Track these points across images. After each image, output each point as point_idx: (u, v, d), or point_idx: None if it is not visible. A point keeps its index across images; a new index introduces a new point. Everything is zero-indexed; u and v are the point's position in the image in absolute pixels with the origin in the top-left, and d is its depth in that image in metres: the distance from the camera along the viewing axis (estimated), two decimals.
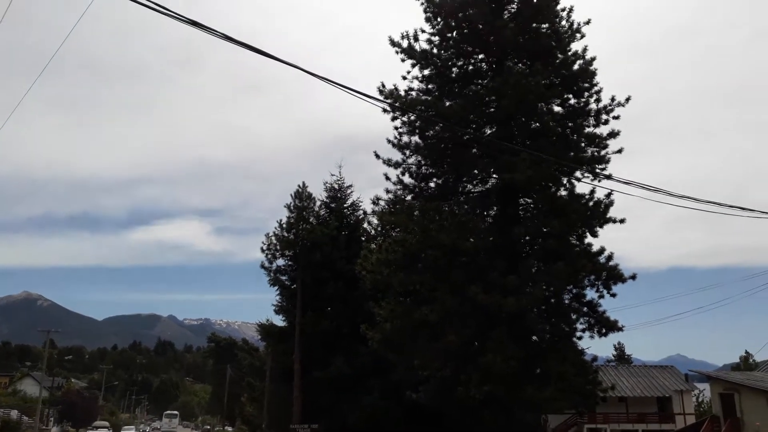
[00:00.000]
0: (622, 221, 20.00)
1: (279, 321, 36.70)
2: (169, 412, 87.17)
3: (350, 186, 37.35)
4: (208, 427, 67.44)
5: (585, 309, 20.48)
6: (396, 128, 21.65)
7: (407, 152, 21.75)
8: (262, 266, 34.67)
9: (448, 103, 21.17)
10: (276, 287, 35.34)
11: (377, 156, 21.46)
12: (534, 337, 20.60)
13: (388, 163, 21.49)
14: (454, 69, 21.61)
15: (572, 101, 20.69)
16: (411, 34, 21.18)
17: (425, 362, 20.32)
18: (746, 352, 56.55)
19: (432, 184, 22.18)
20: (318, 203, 36.25)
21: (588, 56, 20.26)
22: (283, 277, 35.34)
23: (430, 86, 21.71)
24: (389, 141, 21.73)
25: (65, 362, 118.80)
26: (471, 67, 21.63)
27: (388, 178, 21.76)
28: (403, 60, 21.60)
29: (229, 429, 51.71)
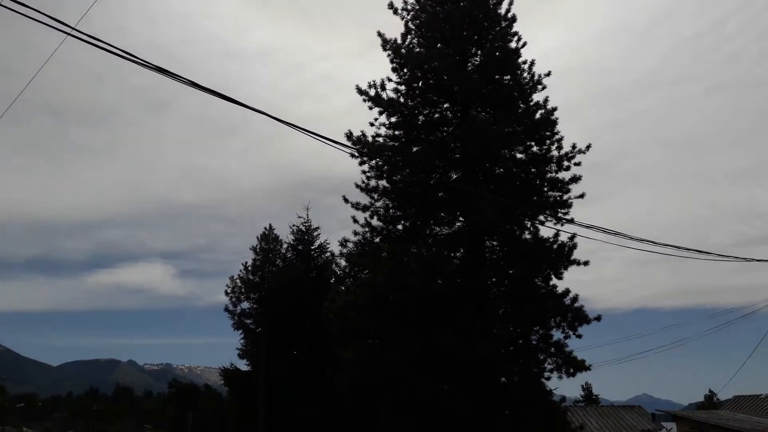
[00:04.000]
0: (585, 263, 20.46)
1: (243, 366, 35.97)
2: None
3: (317, 228, 37.38)
4: None
5: (552, 350, 20.66)
6: (364, 172, 21.95)
7: (375, 196, 22.01)
8: (226, 309, 34.19)
9: (414, 149, 21.61)
10: (240, 331, 34.76)
11: (345, 200, 21.67)
12: (503, 379, 20.65)
13: (356, 206, 21.68)
14: (420, 116, 22.15)
15: (535, 148, 21.38)
16: (378, 83, 21.72)
17: (394, 407, 20.09)
18: (710, 390, 57.59)
19: (400, 227, 22.38)
20: (285, 246, 36.12)
21: (549, 106, 21.08)
22: (248, 321, 34.79)
23: (397, 132, 22.17)
24: (357, 185, 21.97)
25: (16, 410, 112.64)
26: (437, 115, 22.22)
27: (356, 221, 21.91)
28: (370, 107, 22.06)
29: None
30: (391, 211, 22.31)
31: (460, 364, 18.82)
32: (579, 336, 20.46)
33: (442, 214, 21.96)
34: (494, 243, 22.00)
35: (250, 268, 34.43)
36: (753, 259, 15.54)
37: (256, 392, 31.70)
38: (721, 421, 31.32)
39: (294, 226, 37.08)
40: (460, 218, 21.57)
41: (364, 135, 21.53)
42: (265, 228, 35.78)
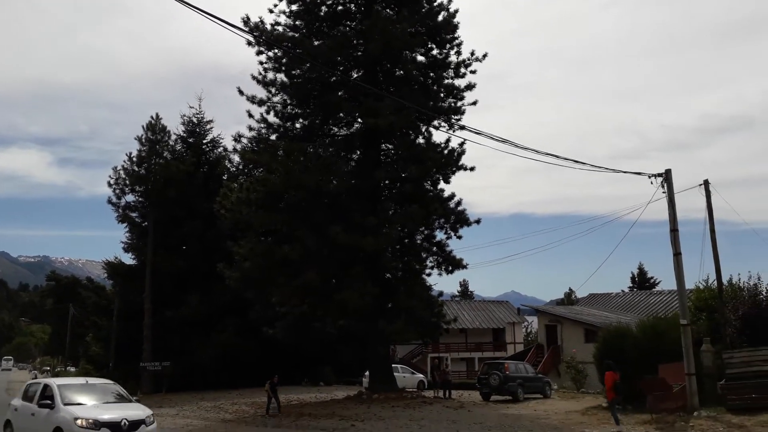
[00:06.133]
0: (472, 169, 21.53)
1: (128, 259, 34.99)
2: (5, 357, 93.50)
3: (211, 121, 35.81)
4: (48, 368, 62.95)
5: (434, 249, 22.06)
6: (261, 63, 21.05)
7: (273, 90, 21.32)
8: (110, 202, 32.54)
9: (316, 43, 20.89)
10: (125, 224, 33.45)
11: (241, 92, 20.80)
12: (387, 275, 21.85)
13: (252, 100, 20.90)
14: (323, 7, 21.26)
15: (435, 52, 21.45)
16: None
17: (284, 299, 20.77)
18: (570, 289, 64.23)
19: (297, 125, 22.05)
20: (174, 137, 34.40)
21: (452, 9, 21.00)
22: (134, 214, 33.48)
23: (297, 23, 21.22)
24: (254, 77, 21.10)
25: None
26: (340, 7, 21.42)
27: (251, 116, 21.25)
28: None
29: (72, 369, 48.82)
30: (288, 108, 21.79)
31: (349, 258, 19.60)
32: (459, 237, 21.96)
33: (341, 114, 21.80)
34: (389, 146, 22.39)
35: (135, 159, 32.48)
36: (621, 171, 17.16)
37: (143, 285, 31.18)
38: (576, 315, 35.52)
39: (185, 116, 35.24)
40: (359, 119, 21.56)
41: (262, 22, 20.42)
42: (152, 117, 33.60)
